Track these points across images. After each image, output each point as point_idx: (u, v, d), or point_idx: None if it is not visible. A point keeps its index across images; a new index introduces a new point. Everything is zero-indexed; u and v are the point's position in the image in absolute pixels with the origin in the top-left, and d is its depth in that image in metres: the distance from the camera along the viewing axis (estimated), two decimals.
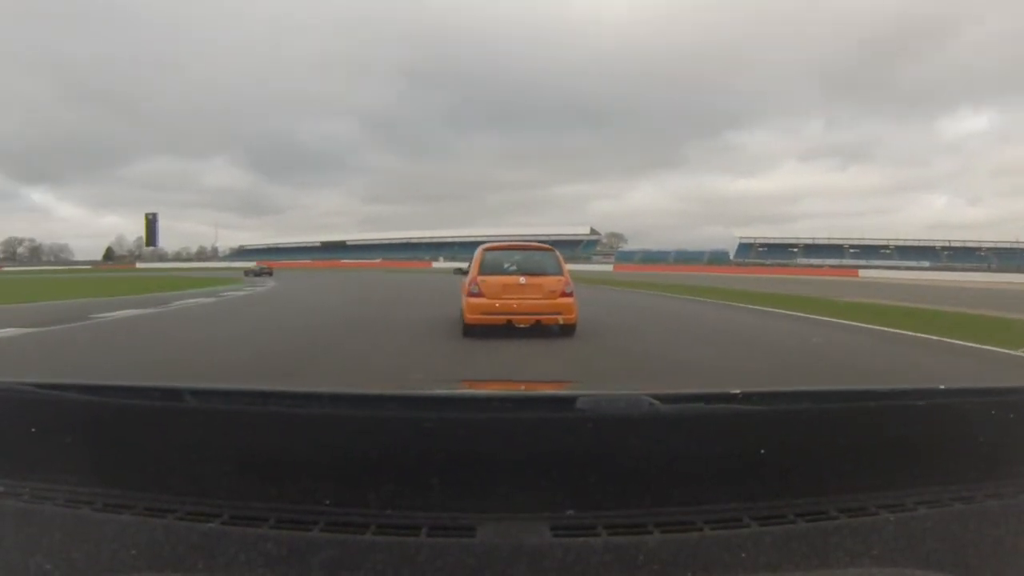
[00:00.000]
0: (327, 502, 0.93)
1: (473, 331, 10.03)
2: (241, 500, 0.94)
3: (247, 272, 57.62)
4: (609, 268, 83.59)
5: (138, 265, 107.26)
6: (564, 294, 10.13)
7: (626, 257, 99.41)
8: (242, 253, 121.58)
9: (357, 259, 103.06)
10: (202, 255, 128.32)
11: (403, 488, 0.94)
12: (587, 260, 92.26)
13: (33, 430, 1.05)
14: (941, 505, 0.96)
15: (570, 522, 0.90)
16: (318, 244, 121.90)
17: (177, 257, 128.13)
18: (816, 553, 0.86)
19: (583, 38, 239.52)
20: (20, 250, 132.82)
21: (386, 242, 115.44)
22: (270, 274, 55.67)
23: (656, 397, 0.97)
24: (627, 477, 0.95)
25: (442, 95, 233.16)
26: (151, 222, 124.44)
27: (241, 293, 24.80)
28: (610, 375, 7.70)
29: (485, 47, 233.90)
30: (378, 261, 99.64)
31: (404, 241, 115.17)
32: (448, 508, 0.92)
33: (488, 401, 1.05)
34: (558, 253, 11.06)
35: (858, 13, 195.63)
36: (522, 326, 9.97)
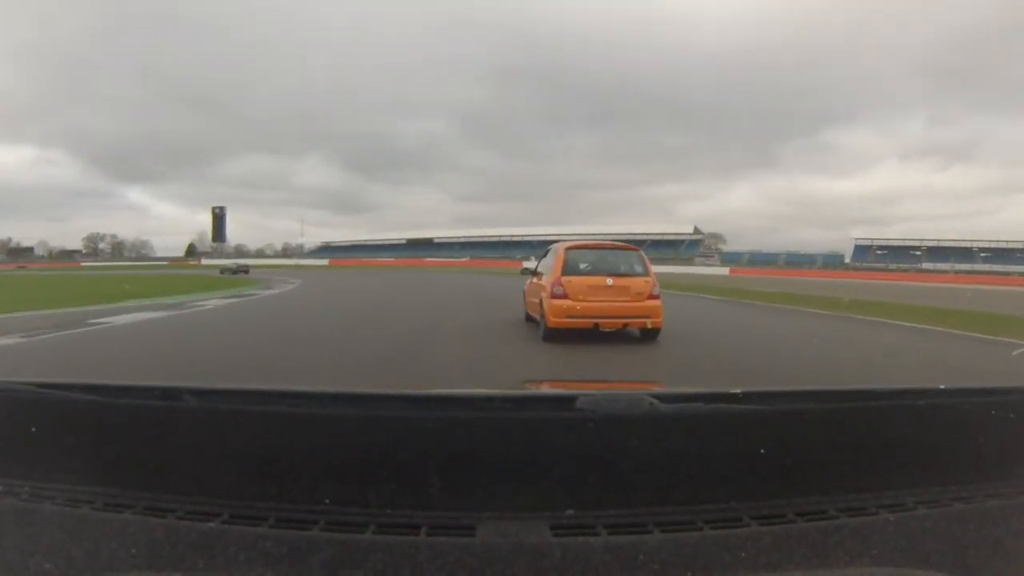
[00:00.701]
0: (327, 501, 0.93)
1: (555, 336, 9.39)
2: (241, 499, 0.94)
3: (223, 271, 55.89)
4: (721, 271, 73.59)
5: (203, 262, 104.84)
6: (651, 296, 9.58)
7: (732, 259, 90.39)
8: (326, 250, 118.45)
9: (445, 257, 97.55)
10: (287, 252, 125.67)
11: (403, 487, 0.94)
12: (690, 261, 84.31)
13: (33, 429, 1.05)
14: (941, 505, 0.97)
15: (570, 522, 0.90)
16: (404, 242, 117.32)
17: (260, 254, 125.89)
18: (816, 553, 0.86)
19: (679, 34, 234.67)
20: (102, 246, 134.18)
21: (475, 240, 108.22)
22: (246, 272, 54.45)
23: (656, 397, 0.97)
24: (627, 477, 0.95)
25: (536, 93, 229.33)
26: (218, 216, 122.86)
27: (229, 302, 19.29)
28: None
29: (581, 44, 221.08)
30: (466, 260, 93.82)
31: (494, 239, 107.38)
32: (448, 507, 0.92)
33: (488, 400, 1.03)
34: (643, 253, 10.54)
35: (962, 3, 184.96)
36: (607, 330, 9.46)
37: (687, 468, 0.97)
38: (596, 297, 9.40)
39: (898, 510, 0.94)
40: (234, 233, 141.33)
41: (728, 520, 0.91)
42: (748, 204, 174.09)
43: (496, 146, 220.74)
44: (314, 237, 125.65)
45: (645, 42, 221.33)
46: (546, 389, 1.15)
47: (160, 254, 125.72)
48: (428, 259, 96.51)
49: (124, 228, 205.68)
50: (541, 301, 9.95)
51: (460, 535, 0.87)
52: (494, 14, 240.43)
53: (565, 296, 9.35)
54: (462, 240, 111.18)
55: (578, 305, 9.29)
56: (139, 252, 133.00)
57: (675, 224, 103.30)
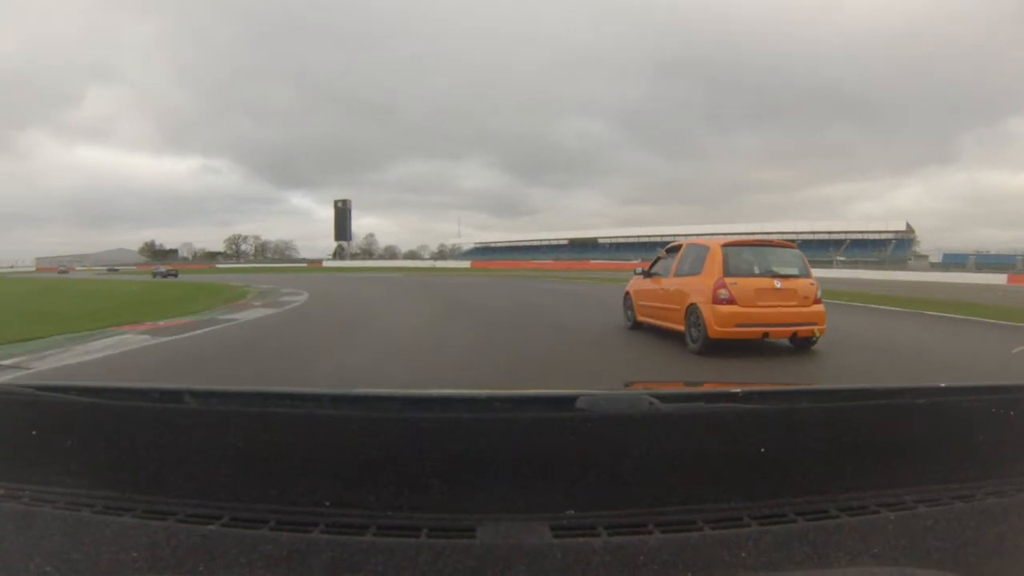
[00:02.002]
0: (327, 503, 0.93)
1: (712, 348, 8.32)
2: (241, 502, 0.94)
3: (155, 274, 56.71)
4: (976, 279, 48.62)
5: (325, 264, 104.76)
6: (817, 300, 8.69)
7: (956, 261, 74.89)
8: (481, 251, 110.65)
9: (610, 258, 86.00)
10: (443, 253, 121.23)
11: (403, 489, 0.94)
12: (902, 265, 67.61)
13: (33, 432, 1.05)
14: (942, 503, 0.97)
15: (570, 522, 0.90)
16: (565, 242, 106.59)
17: (414, 256, 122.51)
18: (817, 552, 0.86)
19: (845, 21, 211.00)
20: (244, 247, 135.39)
21: (642, 239, 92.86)
22: (175, 276, 54.19)
23: (656, 396, 0.97)
24: (627, 477, 0.95)
25: (697, 90, 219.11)
26: (340, 211, 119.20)
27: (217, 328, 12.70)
28: None
29: (742, 37, 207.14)
30: (636, 262, 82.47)
31: (661, 239, 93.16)
32: (448, 509, 0.92)
33: (488, 401, 1.03)
34: (801, 251, 9.38)
35: None
36: (773, 340, 8.71)
37: (687, 468, 0.96)
38: (765, 302, 8.38)
39: (899, 509, 0.94)
40: (395, 236, 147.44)
41: (729, 520, 0.91)
42: (920, 203, 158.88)
43: (658, 145, 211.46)
44: (472, 239, 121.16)
45: (809, 30, 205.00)
46: (546, 389, 1.14)
47: (313, 256, 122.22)
48: (592, 261, 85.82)
49: (287, 232, 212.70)
50: (689, 308, 8.77)
51: (460, 536, 0.87)
52: (651, 7, 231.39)
53: (732, 301, 8.26)
54: (628, 240, 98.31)
55: (747, 311, 8.27)
56: (283, 253, 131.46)
57: (878, 220, 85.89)
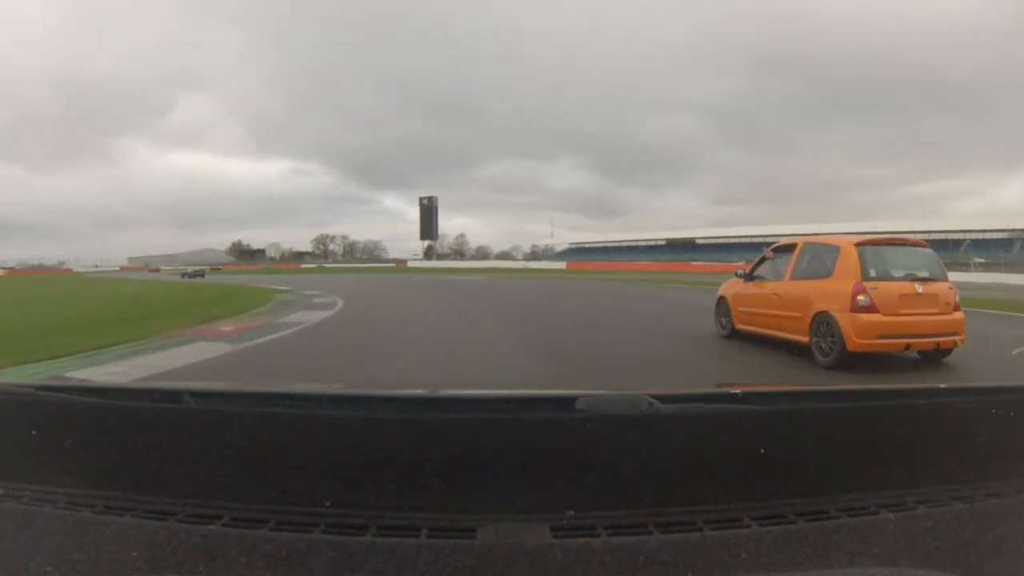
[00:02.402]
0: (327, 504, 0.93)
1: (848, 363, 7.43)
2: (241, 502, 0.95)
3: (183, 275, 58.37)
4: None
5: (410, 264, 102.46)
6: (956, 307, 7.84)
7: None
8: (574, 252, 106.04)
9: (710, 259, 79.96)
10: (535, 254, 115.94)
11: (403, 489, 0.94)
12: None
13: (33, 432, 1.05)
14: (941, 504, 0.97)
15: (570, 523, 0.91)
16: (663, 242, 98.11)
17: (506, 256, 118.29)
18: (816, 553, 0.87)
19: (946, 5, 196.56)
20: (332, 247, 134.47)
21: (743, 240, 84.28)
22: (202, 276, 55.56)
23: (656, 397, 0.97)
24: (627, 477, 0.95)
25: (789, 84, 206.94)
26: (426, 208, 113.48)
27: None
28: None
29: (837, 27, 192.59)
30: (742, 264, 76.42)
31: (765, 239, 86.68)
32: (448, 509, 0.92)
33: (488, 401, 1.04)
34: (934, 252, 8.42)
35: None
36: (914, 353, 7.88)
37: (687, 468, 0.97)
38: (907, 309, 7.51)
39: (898, 509, 0.94)
40: (485, 236, 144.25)
41: (728, 520, 0.91)
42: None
43: (750, 142, 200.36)
44: (564, 240, 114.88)
45: (910, 16, 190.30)
46: (546, 390, 1.15)
47: (403, 256, 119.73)
48: (693, 262, 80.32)
49: (378, 233, 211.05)
50: (817, 317, 7.85)
51: (460, 537, 0.87)
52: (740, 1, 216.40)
53: (873, 309, 7.38)
54: (728, 240, 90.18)
55: (890, 320, 7.39)
56: (371, 254, 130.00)
57: (996, 218, 72.81)
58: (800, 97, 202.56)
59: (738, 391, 1.01)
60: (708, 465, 0.97)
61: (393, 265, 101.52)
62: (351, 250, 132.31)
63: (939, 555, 0.88)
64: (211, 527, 0.90)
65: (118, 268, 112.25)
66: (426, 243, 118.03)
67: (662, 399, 0.97)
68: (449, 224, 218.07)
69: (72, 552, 0.87)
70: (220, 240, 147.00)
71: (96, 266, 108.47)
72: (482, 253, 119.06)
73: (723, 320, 10.45)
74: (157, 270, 62.86)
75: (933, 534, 0.91)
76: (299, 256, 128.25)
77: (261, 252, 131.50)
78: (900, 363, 8.06)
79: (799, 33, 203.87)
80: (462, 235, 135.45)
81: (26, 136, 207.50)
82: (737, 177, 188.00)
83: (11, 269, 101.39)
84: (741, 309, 9.84)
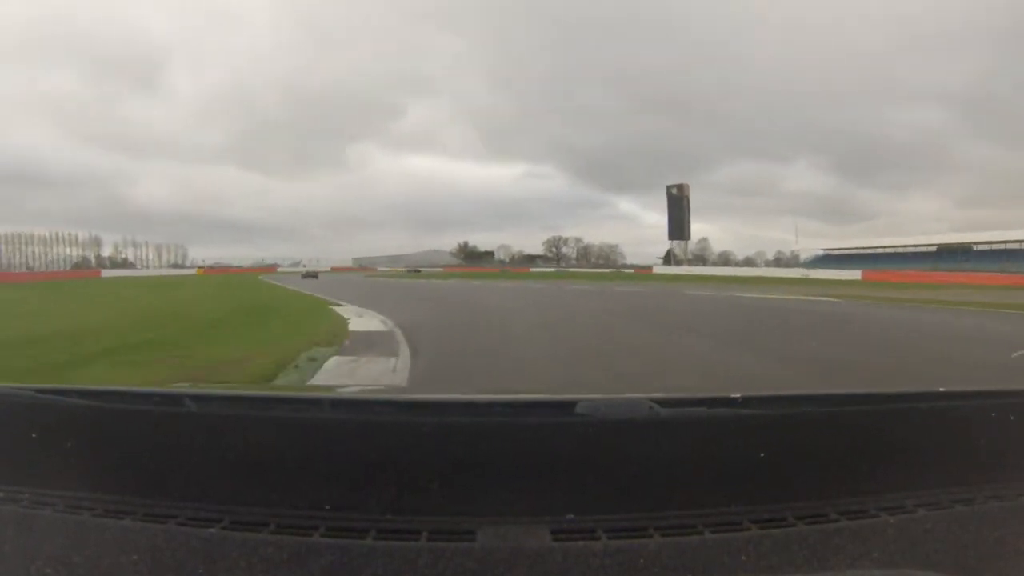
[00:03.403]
0: (327, 507, 0.94)
1: None
2: (241, 505, 0.95)
3: (304, 275, 62.73)
4: None
5: (656, 270, 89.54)
6: None
7: None
8: (824, 260, 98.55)
9: (986, 269, 71.43)
10: (780, 262, 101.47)
11: (403, 492, 0.94)
12: None
13: (33, 435, 1.05)
14: (941, 507, 0.97)
15: (570, 526, 0.91)
16: (932, 248, 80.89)
17: (750, 263, 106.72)
18: (816, 556, 0.87)
19: None
20: (565, 250, 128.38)
21: None
22: (315, 277, 57.95)
23: (656, 401, 0.97)
24: (627, 481, 0.96)
25: None
26: (675, 199, 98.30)
27: None
28: None
29: None
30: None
31: None
32: (448, 512, 0.92)
33: (488, 406, 1.04)
34: None
35: None
36: None
37: (687, 472, 0.97)
38: None
39: (898, 513, 0.95)
40: (720, 242, 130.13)
41: (728, 524, 0.91)
42: None
43: (1005, 136, 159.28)
44: (810, 246, 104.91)
45: None
46: (546, 394, 1.17)
47: (640, 262, 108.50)
48: (971, 272, 71.90)
49: (615, 237, 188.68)
50: None
51: (460, 540, 0.87)
52: None
53: None
54: (1010, 247, 73.77)
55: None
56: (607, 258, 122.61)
57: None
58: None
59: (738, 395, 1.00)
60: (708, 468, 0.97)
61: (631, 272, 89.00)
62: (585, 254, 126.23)
63: (939, 558, 0.87)
64: (211, 530, 0.89)
65: (328, 268, 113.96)
66: (673, 243, 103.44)
67: (662, 403, 0.97)
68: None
69: (72, 555, 0.87)
70: (451, 242, 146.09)
71: (303, 265, 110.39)
72: (723, 259, 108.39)
73: None
74: (315, 275, 62.91)
75: (933, 537, 0.90)
76: (530, 260, 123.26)
77: (489, 254, 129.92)
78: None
79: None
80: (704, 239, 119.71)
81: (264, 145, 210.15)
82: (989, 176, 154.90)
83: (212, 267, 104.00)
84: None
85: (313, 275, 62.69)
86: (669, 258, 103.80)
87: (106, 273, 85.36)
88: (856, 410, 1.09)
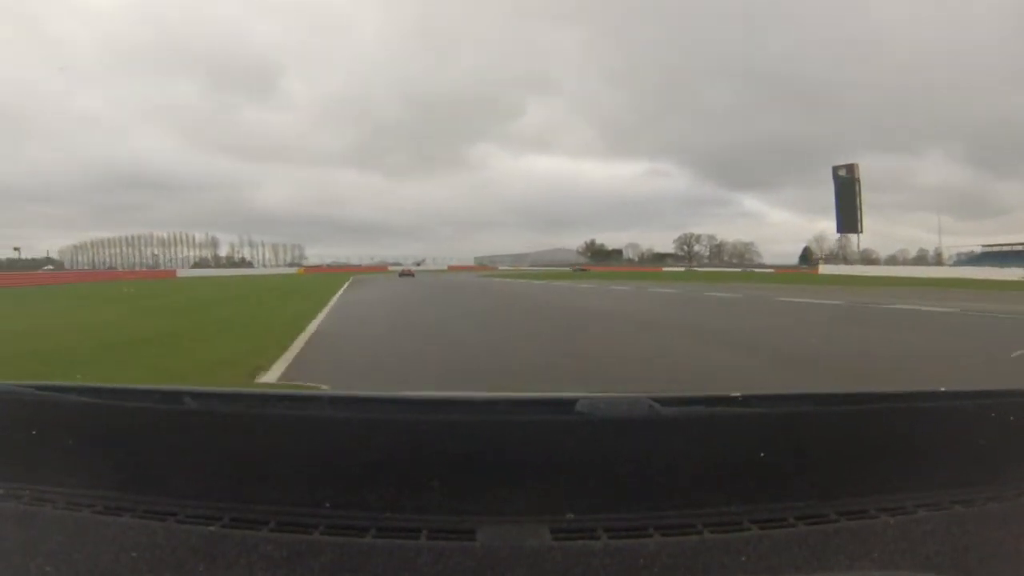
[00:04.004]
0: (327, 505, 0.94)
1: None
2: (241, 503, 0.95)
3: (401, 274, 65.43)
4: None
5: (821, 270, 73.66)
6: None
7: None
8: (985, 258, 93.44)
9: None
10: (922, 260, 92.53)
11: (403, 491, 0.94)
12: None
13: (33, 432, 1.05)
14: (941, 508, 0.97)
15: (570, 525, 0.91)
16: None
17: (891, 261, 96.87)
18: (816, 556, 0.87)
19: None
20: (697, 248, 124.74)
21: None
22: (412, 275, 60.57)
23: (656, 400, 0.97)
24: (627, 480, 0.96)
25: None
26: (844, 183, 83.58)
27: None
28: None
29: None
30: None
31: None
32: (448, 511, 0.92)
33: (488, 404, 1.04)
34: None
35: None
36: None
37: (687, 471, 0.97)
38: None
39: (898, 513, 0.94)
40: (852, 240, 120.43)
41: (728, 524, 0.91)
42: None
43: None
44: (953, 243, 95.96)
45: None
46: (546, 393, 1.16)
47: (772, 261, 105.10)
48: None
49: (741, 236, 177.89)
50: None
51: (460, 539, 0.87)
52: None
53: None
54: None
55: None
56: (742, 257, 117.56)
57: None
58: None
59: (738, 394, 0.99)
60: (708, 468, 0.97)
61: (772, 272, 75.98)
62: (718, 252, 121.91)
63: (939, 559, 0.87)
64: (211, 528, 0.89)
65: (446, 267, 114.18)
66: (840, 236, 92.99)
67: (662, 402, 0.96)
68: (812, 228, 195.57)
69: (72, 553, 0.87)
70: (575, 241, 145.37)
71: (417, 264, 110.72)
72: (865, 258, 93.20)
73: None
74: (411, 273, 63.11)
75: (933, 538, 0.90)
76: (660, 258, 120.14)
77: (617, 253, 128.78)
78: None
79: None
80: (843, 236, 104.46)
81: (382, 147, 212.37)
82: None
83: (318, 266, 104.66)
84: None
85: (409, 273, 65.97)
86: (806, 257, 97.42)
87: (193, 272, 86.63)
88: (856, 410, 1.08)
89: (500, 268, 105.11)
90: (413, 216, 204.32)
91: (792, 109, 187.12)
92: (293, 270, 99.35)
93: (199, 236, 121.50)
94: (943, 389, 1.07)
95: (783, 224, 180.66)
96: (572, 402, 0.96)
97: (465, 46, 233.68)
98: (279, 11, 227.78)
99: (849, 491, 0.98)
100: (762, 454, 0.97)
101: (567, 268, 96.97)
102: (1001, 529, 0.94)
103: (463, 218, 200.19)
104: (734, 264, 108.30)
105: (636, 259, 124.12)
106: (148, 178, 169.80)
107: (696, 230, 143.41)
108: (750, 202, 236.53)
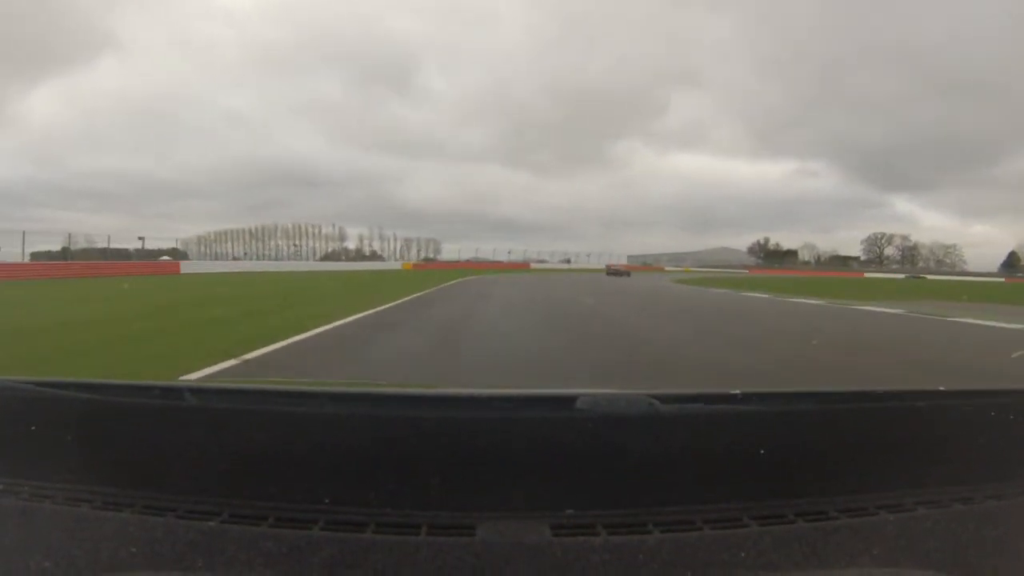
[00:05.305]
0: (327, 501, 0.94)
1: None
2: (241, 498, 0.95)
3: (608, 272, 63.26)
4: None
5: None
6: None
7: None
8: None
9: None
10: None
11: (403, 487, 0.94)
12: None
13: (33, 428, 1.05)
14: (941, 506, 0.97)
15: (570, 521, 0.91)
16: None
17: None
18: (816, 553, 0.87)
19: None
20: (889, 251, 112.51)
21: None
22: (628, 275, 57.81)
23: (656, 397, 0.97)
24: (627, 476, 0.96)
25: None
26: None
27: None
28: None
29: None
30: None
31: None
32: (448, 507, 0.92)
33: (488, 400, 1.03)
34: None
35: None
36: None
37: (687, 468, 0.97)
38: None
39: (898, 511, 0.95)
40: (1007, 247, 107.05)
41: (728, 520, 0.91)
42: None
43: None
44: None
45: None
46: (546, 389, 1.16)
47: (969, 267, 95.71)
48: None
49: (938, 237, 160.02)
50: None
51: (460, 534, 0.87)
52: None
53: None
54: None
55: None
56: (940, 261, 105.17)
57: None
58: None
59: (737, 391, 0.99)
60: (708, 465, 0.97)
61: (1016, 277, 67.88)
62: (911, 256, 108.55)
63: (939, 556, 0.87)
64: (210, 523, 0.89)
65: (568, 265, 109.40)
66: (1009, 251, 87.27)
67: (662, 399, 0.97)
68: (969, 232, 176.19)
69: (71, 548, 0.87)
70: (734, 242, 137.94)
71: (567, 262, 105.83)
72: None
73: None
74: (624, 273, 58.30)
75: (933, 535, 0.90)
76: (843, 261, 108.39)
77: (792, 254, 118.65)
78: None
79: None
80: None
81: (526, 142, 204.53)
82: None
83: (427, 262, 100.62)
84: None
85: (623, 273, 61.74)
86: (1013, 264, 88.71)
87: (305, 266, 78.40)
88: (856, 408, 1.08)
89: (666, 269, 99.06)
90: (559, 213, 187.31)
91: (952, 99, 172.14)
92: (385, 266, 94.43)
93: (326, 228, 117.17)
94: (943, 388, 1.07)
95: (940, 229, 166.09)
96: (572, 399, 0.96)
97: (609, 38, 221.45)
98: (422, 5, 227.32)
99: (849, 488, 0.98)
100: (762, 451, 0.97)
101: (743, 271, 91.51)
102: (1000, 527, 0.94)
103: (609, 216, 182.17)
104: (931, 271, 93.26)
105: (812, 261, 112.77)
106: (290, 173, 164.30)
107: (843, 234, 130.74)
108: (902, 204, 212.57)
